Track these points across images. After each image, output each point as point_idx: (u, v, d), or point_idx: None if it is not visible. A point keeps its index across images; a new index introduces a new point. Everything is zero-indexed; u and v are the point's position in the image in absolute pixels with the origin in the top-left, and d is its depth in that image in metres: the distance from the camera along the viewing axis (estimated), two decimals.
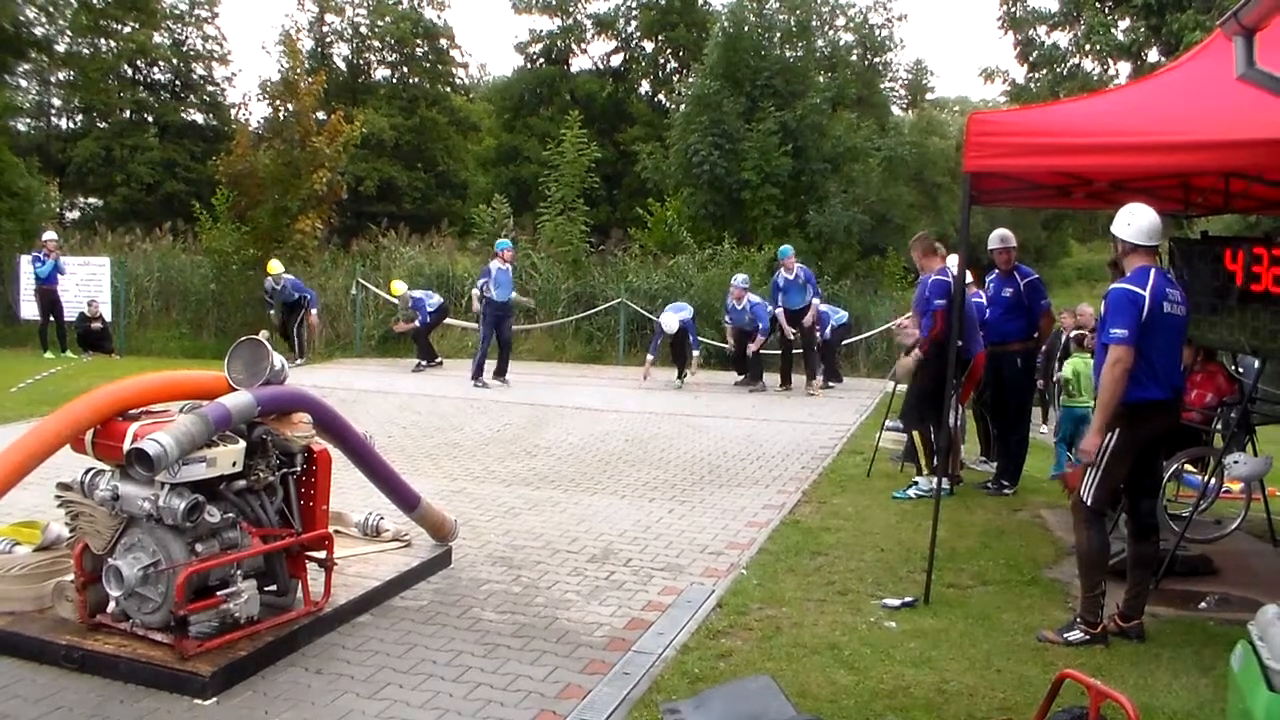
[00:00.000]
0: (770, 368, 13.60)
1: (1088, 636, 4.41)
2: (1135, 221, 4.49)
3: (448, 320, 16.64)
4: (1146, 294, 4.35)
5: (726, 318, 13.60)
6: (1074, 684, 3.13)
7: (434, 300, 15.10)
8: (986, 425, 8.34)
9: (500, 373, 13.25)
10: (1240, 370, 6.46)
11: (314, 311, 15.53)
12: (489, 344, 13.06)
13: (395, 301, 15.58)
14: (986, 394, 7.92)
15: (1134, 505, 4.67)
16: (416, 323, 14.85)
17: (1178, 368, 4.59)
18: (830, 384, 13.75)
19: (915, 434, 7.40)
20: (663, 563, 5.54)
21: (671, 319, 13.39)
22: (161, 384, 4.26)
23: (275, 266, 15.36)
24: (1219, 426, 6.36)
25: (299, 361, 14.69)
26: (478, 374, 13.01)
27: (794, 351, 13.33)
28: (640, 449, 8.97)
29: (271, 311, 15.50)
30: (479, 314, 13.36)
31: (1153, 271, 4.44)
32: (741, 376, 13.61)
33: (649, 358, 14.04)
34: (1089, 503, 4.51)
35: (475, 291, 13.57)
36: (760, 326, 12.98)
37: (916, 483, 7.29)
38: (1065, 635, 4.45)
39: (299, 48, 20.94)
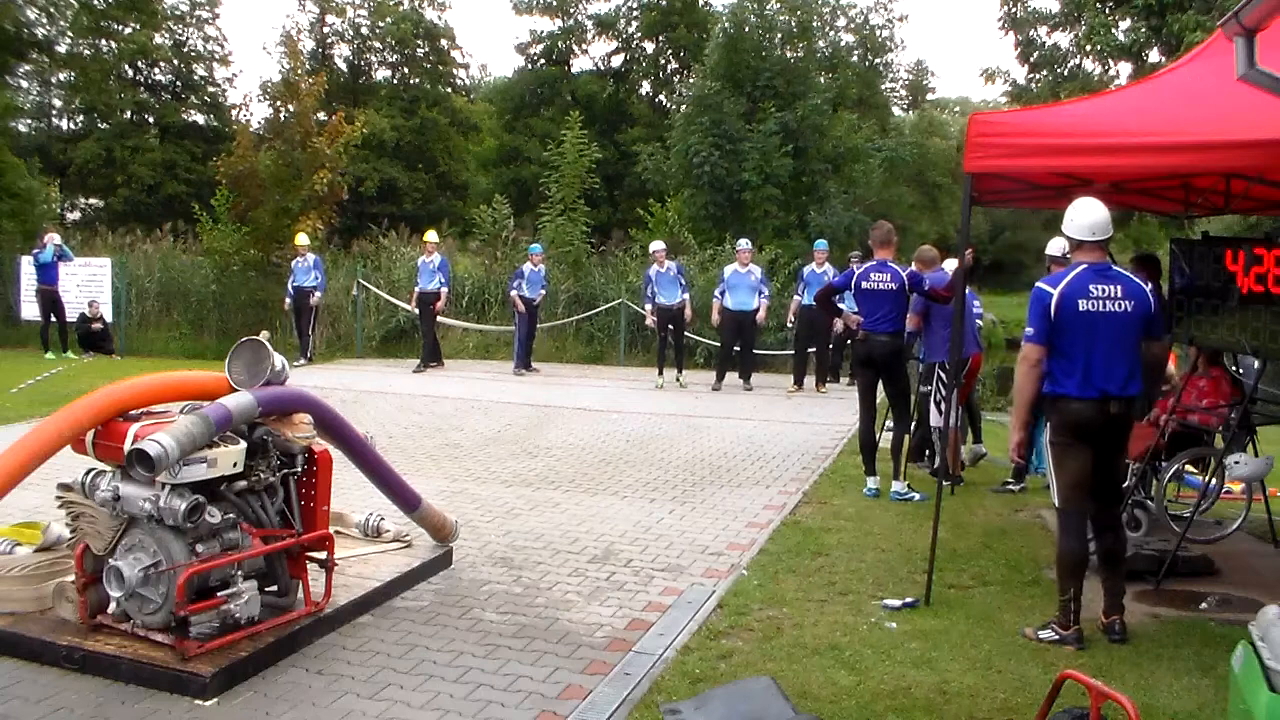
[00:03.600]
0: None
1: (1057, 637, 4.46)
2: (1076, 217, 4.52)
3: (448, 320, 16.64)
4: (1056, 292, 4.39)
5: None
6: (1075, 684, 3.14)
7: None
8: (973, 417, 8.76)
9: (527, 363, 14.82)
10: (1240, 370, 6.46)
11: (318, 294, 15.43)
12: (529, 337, 14.69)
13: (422, 260, 14.93)
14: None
15: (1095, 506, 4.67)
16: (443, 288, 14.68)
17: (1116, 367, 4.36)
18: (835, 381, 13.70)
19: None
20: (663, 563, 5.54)
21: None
22: (162, 385, 4.27)
23: (303, 240, 15.44)
24: (1219, 427, 6.35)
25: (300, 362, 14.69)
26: (524, 364, 14.64)
27: (809, 350, 13.25)
28: (641, 449, 8.97)
29: (289, 300, 15.34)
30: (518, 312, 14.45)
31: (1079, 269, 4.43)
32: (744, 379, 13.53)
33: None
34: (1058, 504, 4.60)
35: (514, 294, 14.37)
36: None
37: (867, 482, 7.43)
38: (1039, 633, 4.51)
39: (300, 48, 20.94)
